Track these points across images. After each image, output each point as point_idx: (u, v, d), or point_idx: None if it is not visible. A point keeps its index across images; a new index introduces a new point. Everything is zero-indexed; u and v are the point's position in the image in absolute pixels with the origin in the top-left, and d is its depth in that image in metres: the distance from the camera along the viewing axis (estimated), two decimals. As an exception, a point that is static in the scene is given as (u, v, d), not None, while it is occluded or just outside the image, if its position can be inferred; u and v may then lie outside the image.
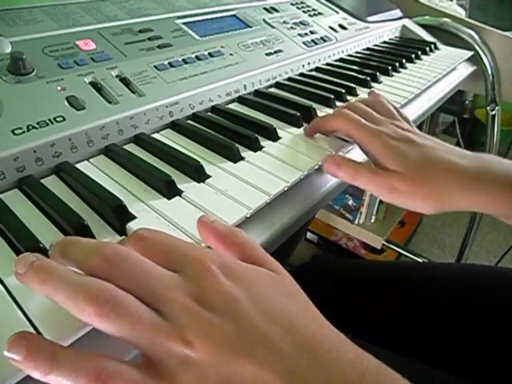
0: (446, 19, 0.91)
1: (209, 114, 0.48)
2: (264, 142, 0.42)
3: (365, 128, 0.40)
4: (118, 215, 0.30)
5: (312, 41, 0.67)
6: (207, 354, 0.19)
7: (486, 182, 0.37)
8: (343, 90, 0.56)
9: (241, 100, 0.52)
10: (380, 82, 0.62)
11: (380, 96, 0.46)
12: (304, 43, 0.65)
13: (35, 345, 0.19)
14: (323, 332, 0.21)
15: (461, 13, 1.15)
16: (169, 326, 0.19)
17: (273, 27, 0.65)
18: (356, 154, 0.45)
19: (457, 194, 0.37)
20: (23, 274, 0.21)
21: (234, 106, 0.50)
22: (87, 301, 0.19)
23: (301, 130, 0.46)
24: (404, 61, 0.70)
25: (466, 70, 0.81)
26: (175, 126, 0.44)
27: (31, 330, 0.22)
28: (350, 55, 0.72)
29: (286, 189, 0.36)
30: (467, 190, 0.37)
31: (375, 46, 0.80)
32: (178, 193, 0.33)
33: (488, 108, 0.93)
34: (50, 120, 0.36)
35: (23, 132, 0.34)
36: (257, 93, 0.54)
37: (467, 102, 1.96)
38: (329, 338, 0.20)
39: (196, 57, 0.51)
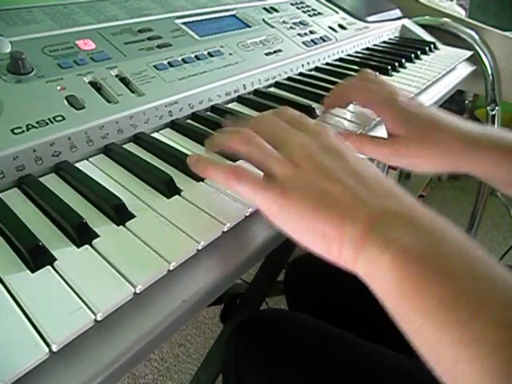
0: (445, 19, 0.91)
1: (208, 113, 0.48)
2: (263, 142, 0.42)
3: (375, 93, 0.44)
4: (117, 214, 0.30)
5: (311, 41, 0.67)
6: (310, 172, 0.27)
7: (487, 146, 0.39)
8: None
9: (240, 100, 0.52)
10: (379, 82, 0.62)
11: (368, 73, 0.49)
12: (303, 43, 0.65)
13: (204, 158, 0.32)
14: (393, 184, 0.28)
15: (461, 13, 1.15)
16: (284, 156, 0.29)
17: (272, 27, 0.65)
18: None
19: (459, 156, 0.40)
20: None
21: (234, 106, 0.51)
22: (236, 136, 0.31)
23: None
24: (403, 60, 0.70)
25: (465, 69, 0.81)
26: (175, 125, 0.44)
27: (31, 329, 0.22)
28: (349, 55, 0.72)
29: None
30: (469, 152, 0.39)
31: (375, 45, 0.80)
32: (178, 192, 0.34)
33: (488, 108, 0.93)
34: (49, 119, 0.36)
35: (23, 131, 0.34)
36: (256, 92, 0.54)
37: (467, 102, 1.96)
38: (397, 188, 0.27)
39: (195, 56, 0.51)
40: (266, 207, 0.28)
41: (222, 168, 0.29)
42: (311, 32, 0.69)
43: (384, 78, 0.64)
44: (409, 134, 0.40)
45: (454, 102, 1.90)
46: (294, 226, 0.27)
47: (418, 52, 0.76)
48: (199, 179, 0.35)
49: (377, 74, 0.49)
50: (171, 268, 0.27)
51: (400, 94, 0.43)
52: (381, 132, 0.46)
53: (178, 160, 0.37)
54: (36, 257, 0.26)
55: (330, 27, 0.74)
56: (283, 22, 0.68)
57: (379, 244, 0.23)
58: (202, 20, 0.58)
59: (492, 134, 0.40)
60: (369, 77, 0.46)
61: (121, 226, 0.30)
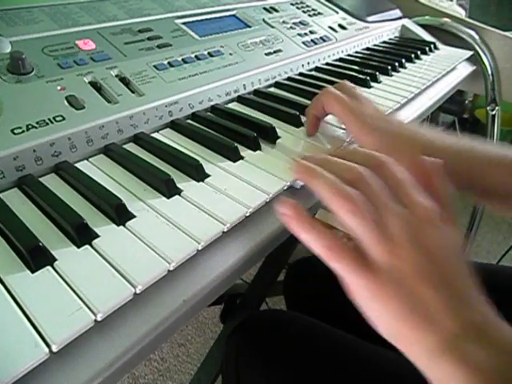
0: (445, 19, 0.91)
1: (208, 113, 0.48)
2: (263, 142, 0.42)
3: (346, 105, 0.41)
4: (117, 214, 0.30)
5: (311, 41, 0.67)
6: (408, 267, 0.25)
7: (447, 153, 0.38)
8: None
9: (240, 100, 0.52)
10: (380, 82, 0.62)
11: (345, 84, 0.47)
12: (303, 43, 0.65)
13: (302, 214, 0.28)
14: (480, 292, 0.26)
15: (461, 13, 1.15)
16: (387, 240, 0.26)
17: (272, 27, 0.65)
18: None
19: None
20: (297, 171, 0.30)
21: (234, 106, 0.50)
22: (347, 204, 0.26)
23: (300, 130, 0.46)
24: (404, 60, 0.70)
25: (465, 69, 0.81)
26: (175, 125, 0.44)
27: (31, 329, 0.22)
28: (349, 55, 0.72)
29: (285, 188, 0.36)
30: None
31: (375, 45, 0.80)
32: (178, 192, 0.34)
33: (488, 108, 0.93)
34: (49, 119, 0.36)
35: (23, 131, 0.34)
36: (256, 92, 0.54)
37: (467, 102, 1.95)
38: (483, 298, 0.25)
39: (195, 56, 0.51)
40: (356, 288, 0.27)
41: (326, 239, 0.27)
42: (311, 32, 0.69)
43: (384, 78, 0.64)
44: (376, 144, 0.39)
45: (454, 101, 1.89)
46: (373, 312, 0.26)
47: (418, 52, 0.76)
48: (199, 179, 0.35)
49: (355, 86, 0.46)
50: (171, 268, 0.27)
51: (368, 107, 0.42)
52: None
53: (178, 160, 0.37)
54: (36, 257, 0.26)
55: (330, 27, 0.74)
56: (283, 22, 0.68)
57: (456, 359, 0.23)
58: (202, 20, 0.58)
59: (449, 142, 0.40)
60: (345, 88, 0.45)
61: (121, 226, 0.30)
